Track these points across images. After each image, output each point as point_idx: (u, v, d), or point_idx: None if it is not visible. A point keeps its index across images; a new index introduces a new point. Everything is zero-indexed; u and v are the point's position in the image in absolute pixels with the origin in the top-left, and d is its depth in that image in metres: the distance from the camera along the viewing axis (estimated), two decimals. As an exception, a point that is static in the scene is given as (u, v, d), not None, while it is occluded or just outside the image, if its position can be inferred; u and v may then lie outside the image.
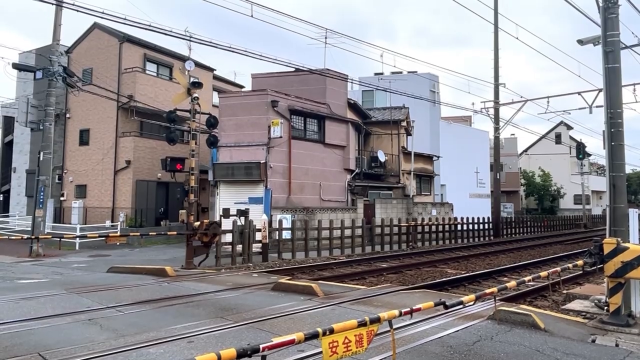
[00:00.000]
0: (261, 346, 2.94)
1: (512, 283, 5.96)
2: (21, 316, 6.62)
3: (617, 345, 5.40)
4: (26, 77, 24.68)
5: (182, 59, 24.54)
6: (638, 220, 7.21)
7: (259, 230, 15.06)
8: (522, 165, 52.01)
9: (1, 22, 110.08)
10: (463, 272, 13.19)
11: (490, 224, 27.04)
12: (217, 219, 16.01)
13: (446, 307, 4.59)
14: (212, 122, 13.69)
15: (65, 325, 6.19)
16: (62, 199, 26.20)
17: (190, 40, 12.86)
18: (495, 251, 19.07)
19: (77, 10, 10.44)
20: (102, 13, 10.58)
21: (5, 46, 69.63)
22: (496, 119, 27.01)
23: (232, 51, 12.43)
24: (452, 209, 27.15)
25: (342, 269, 13.86)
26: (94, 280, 10.35)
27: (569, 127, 48.55)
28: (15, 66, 17.99)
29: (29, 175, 27.58)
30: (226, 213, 14.38)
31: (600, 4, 7.66)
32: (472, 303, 5.13)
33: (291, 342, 3.11)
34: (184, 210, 13.11)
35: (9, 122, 31.31)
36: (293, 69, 17.74)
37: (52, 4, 12.35)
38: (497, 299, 6.70)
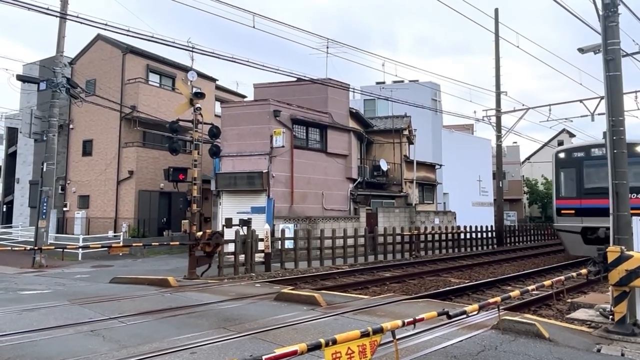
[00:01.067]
0: (263, 357, 2.92)
1: (515, 292, 5.93)
2: (23, 327, 6.61)
3: (622, 354, 5.35)
4: (30, 88, 24.88)
5: (185, 69, 24.73)
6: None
7: (262, 239, 15.06)
8: (524, 173, 51.90)
9: (5, 33, 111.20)
10: (466, 281, 13.13)
11: (494, 233, 26.94)
12: (220, 228, 16.03)
13: (449, 316, 4.55)
14: (215, 132, 13.73)
15: (68, 337, 6.17)
16: (65, 209, 26.27)
17: (192, 51, 12.92)
18: (498, 260, 19.00)
19: (81, 22, 10.56)
20: (106, 25, 10.68)
21: (9, 58, 70.31)
22: (498, 127, 27.04)
23: (234, 61, 12.51)
24: (454, 218, 27.08)
25: (345, 278, 13.81)
26: (97, 291, 10.34)
27: (571, 135, 48.47)
28: (19, 78, 18.15)
29: (32, 186, 27.68)
30: (229, 223, 14.38)
31: (601, 13, 7.70)
32: (475, 313, 5.09)
33: (294, 353, 3.10)
34: (187, 220, 13.11)
35: (13, 133, 31.53)
36: (295, 79, 17.83)
37: (57, 16, 12.47)
38: (500, 308, 6.66)
